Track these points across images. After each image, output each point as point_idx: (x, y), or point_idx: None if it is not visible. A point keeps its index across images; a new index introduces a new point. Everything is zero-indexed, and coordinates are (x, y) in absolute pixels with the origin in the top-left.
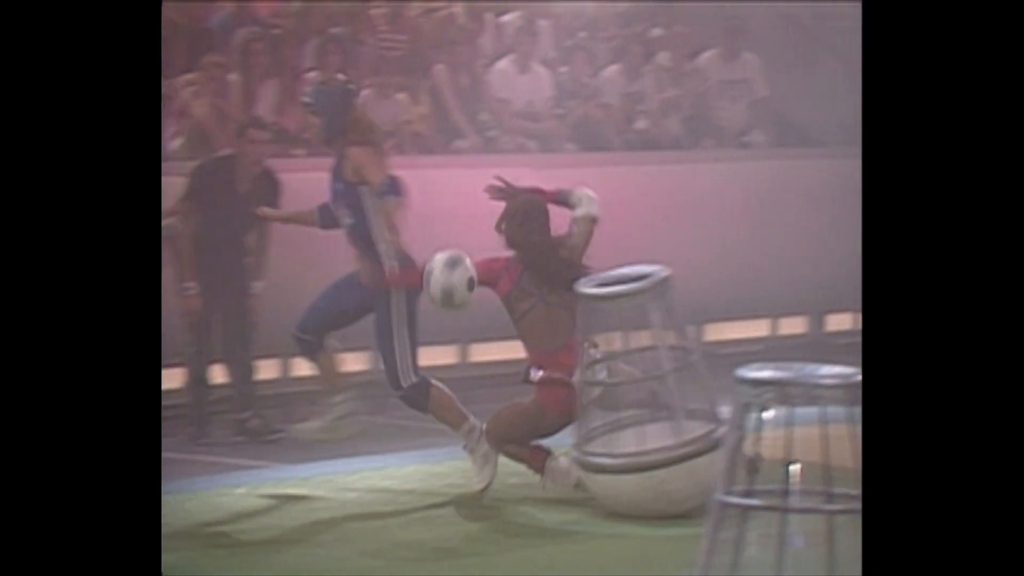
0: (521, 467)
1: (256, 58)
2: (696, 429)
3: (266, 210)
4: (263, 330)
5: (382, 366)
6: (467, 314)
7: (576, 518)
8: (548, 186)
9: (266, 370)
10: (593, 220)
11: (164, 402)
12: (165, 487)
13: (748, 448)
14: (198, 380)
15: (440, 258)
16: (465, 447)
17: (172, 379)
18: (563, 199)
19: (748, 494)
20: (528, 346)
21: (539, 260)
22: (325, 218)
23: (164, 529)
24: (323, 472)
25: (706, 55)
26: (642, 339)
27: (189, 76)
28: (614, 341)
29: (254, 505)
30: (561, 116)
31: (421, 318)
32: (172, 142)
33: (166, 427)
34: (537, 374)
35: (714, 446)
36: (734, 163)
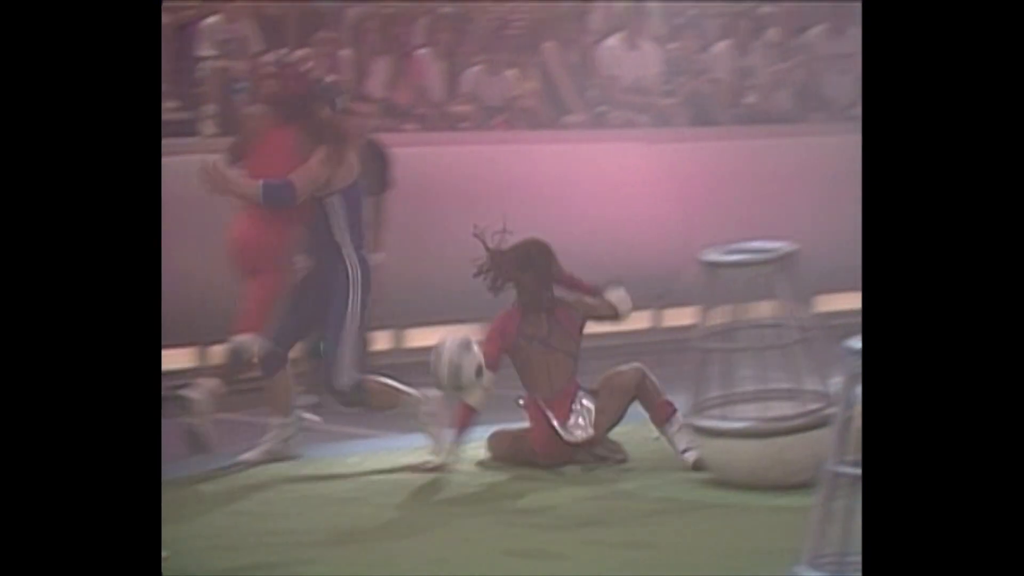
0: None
1: (368, 35)
2: (815, 400)
3: (210, 169)
4: (376, 302)
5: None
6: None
7: (685, 489)
8: (659, 162)
9: (380, 341)
10: (615, 317)
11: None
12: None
13: (857, 419)
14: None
15: (452, 340)
16: (417, 422)
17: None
18: (596, 294)
19: (859, 464)
20: (528, 390)
21: (538, 304)
22: (269, 196)
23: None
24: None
25: (814, 30)
26: (762, 311)
27: (301, 52)
28: (735, 312)
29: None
30: (671, 91)
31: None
32: None
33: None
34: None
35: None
36: (843, 136)
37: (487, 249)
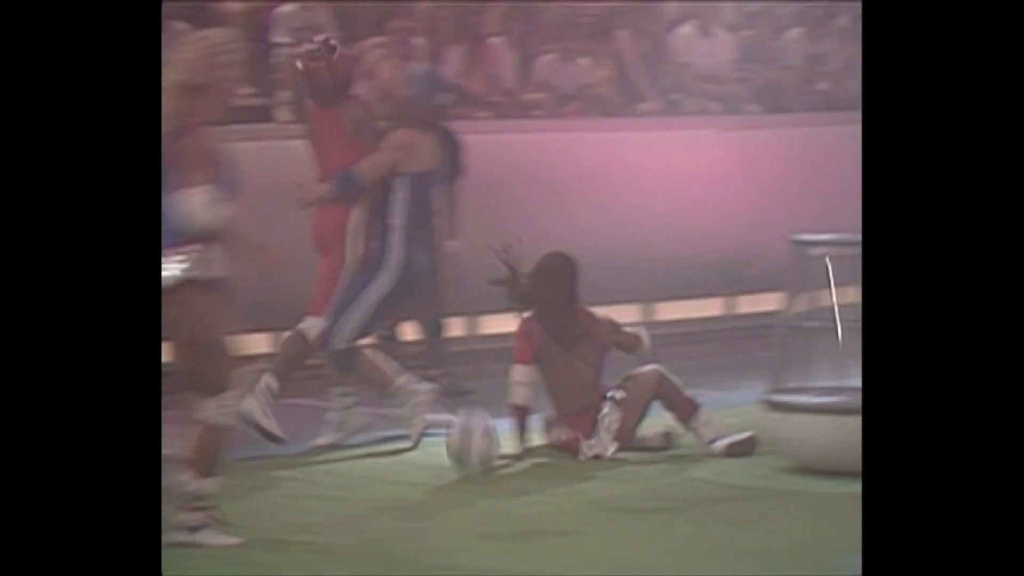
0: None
1: (442, 23)
2: None
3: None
4: (452, 288)
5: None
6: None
7: (754, 476)
8: (731, 149)
9: (455, 328)
10: (635, 348)
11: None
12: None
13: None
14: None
15: (477, 425)
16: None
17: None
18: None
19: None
20: (554, 404)
21: (560, 318)
22: (337, 189)
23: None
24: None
25: None
26: (846, 295)
27: (377, 40)
28: (818, 295)
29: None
30: (743, 79)
31: None
32: None
33: None
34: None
35: None
36: None
37: (510, 270)
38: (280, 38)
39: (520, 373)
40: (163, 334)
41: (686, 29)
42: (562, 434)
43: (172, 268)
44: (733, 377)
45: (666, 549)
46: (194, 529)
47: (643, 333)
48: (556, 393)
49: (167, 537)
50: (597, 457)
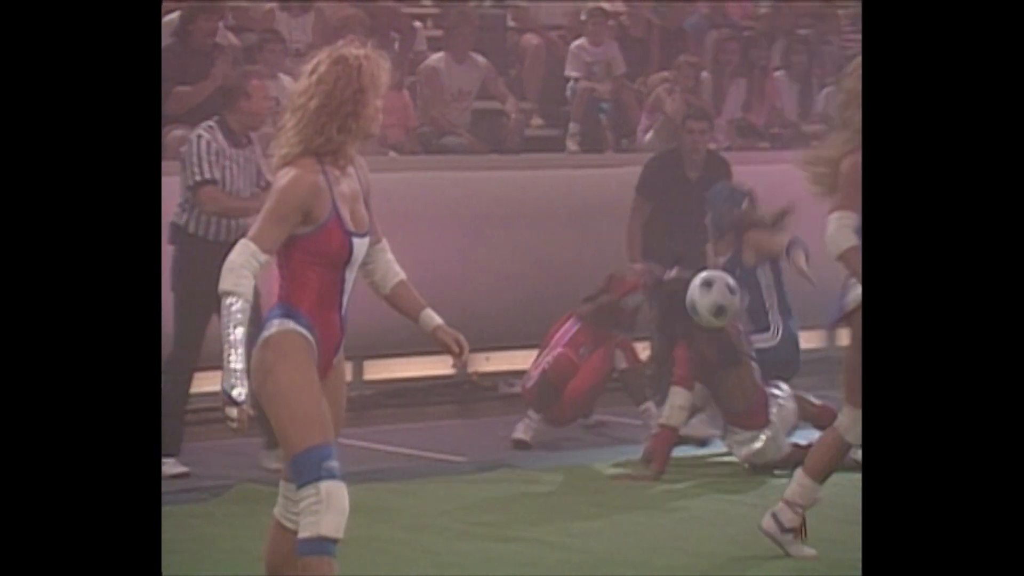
0: None
1: (727, 56)
2: None
3: None
4: None
5: None
6: None
7: None
8: None
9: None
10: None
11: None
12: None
13: None
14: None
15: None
16: None
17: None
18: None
19: None
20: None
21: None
22: None
23: None
24: None
25: None
26: None
27: (664, 74)
28: None
29: None
30: None
31: None
32: (645, 135)
33: None
34: None
35: None
36: None
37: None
38: (572, 71)
39: (680, 397)
40: None
41: None
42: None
43: None
44: None
45: None
46: (786, 531)
47: None
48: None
49: None
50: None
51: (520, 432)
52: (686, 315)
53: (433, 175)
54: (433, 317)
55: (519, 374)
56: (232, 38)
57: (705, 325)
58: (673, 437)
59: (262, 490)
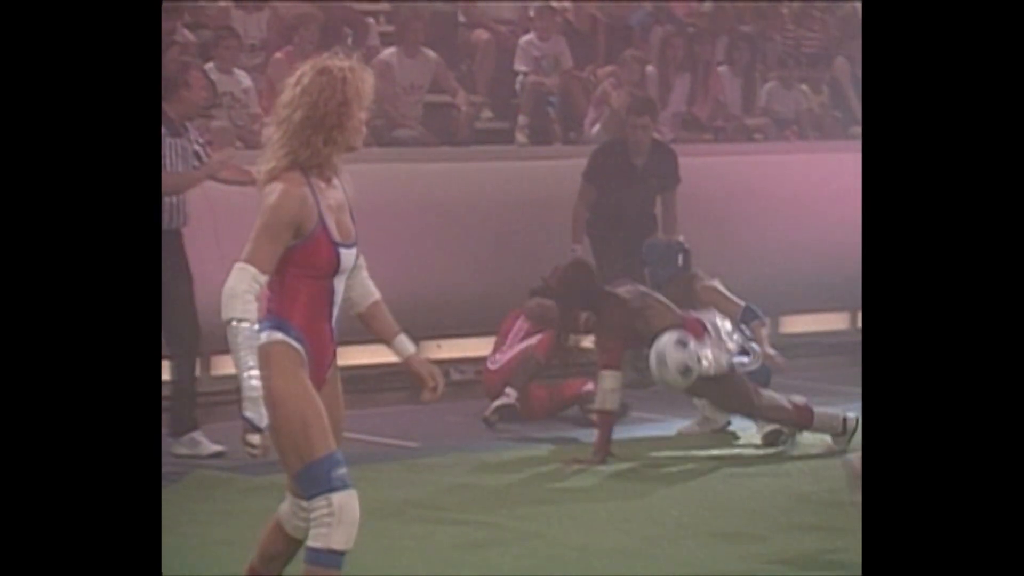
0: None
1: (672, 51)
2: None
3: None
4: None
5: None
6: None
7: None
8: None
9: None
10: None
11: None
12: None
13: None
14: None
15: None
16: None
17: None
18: None
19: None
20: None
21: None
22: None
23: None
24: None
25: None
26: None
27: (610, 68)
28: None
29: None
30: None
31: None
32: (592, 128)
33: None
34: None
35: None
36: None
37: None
38: (520, 66)
39: (610, 380)
40: None
41: None
42: None
43: None
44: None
45: None
46: None
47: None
48: None
49: None
50: None
51: (499, 402)
52: (587, 304)
53: (385, 167)
54: (407, 345)
55: (470, 361)
56: (188, 35)
57: (669, 381)
58: (611, 420)
59: (219, 476)
